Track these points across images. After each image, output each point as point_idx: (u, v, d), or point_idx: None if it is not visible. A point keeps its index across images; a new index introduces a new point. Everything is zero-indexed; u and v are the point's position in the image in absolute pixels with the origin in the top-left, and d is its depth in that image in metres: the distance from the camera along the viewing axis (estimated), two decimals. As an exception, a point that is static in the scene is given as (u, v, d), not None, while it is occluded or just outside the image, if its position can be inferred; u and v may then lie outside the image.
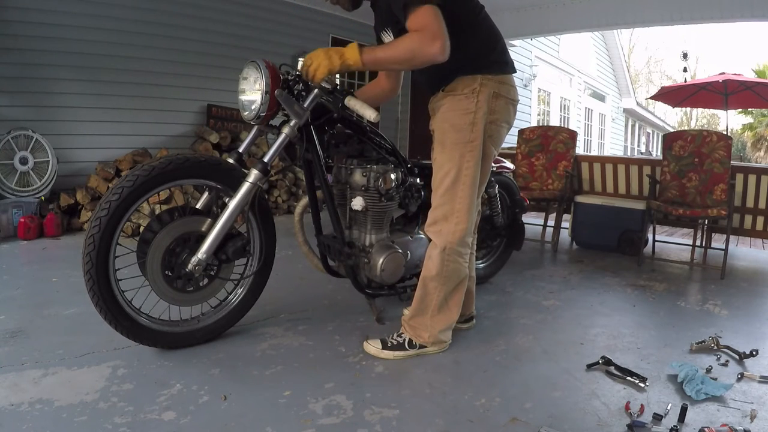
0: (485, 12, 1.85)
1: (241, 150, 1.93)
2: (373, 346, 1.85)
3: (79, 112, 4.34)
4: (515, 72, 1.91)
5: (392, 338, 1.88)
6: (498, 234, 2.76)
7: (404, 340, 1.86)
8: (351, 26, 6.56)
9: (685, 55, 14.26)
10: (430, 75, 1.88)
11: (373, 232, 2.07)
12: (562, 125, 10.40)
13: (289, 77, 1.87)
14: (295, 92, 1.84)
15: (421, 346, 1.85)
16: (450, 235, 1.79)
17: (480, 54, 1.77)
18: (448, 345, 1.92)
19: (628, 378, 1.68)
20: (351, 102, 1.79)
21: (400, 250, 2.08)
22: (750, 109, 15.19)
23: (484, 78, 1.75)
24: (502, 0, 5.85)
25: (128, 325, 1.66)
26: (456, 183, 1.78)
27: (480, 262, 2.87)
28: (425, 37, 1.55)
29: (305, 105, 1.81)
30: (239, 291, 1.94)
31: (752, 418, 1.47)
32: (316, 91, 1.83)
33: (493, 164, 2.75)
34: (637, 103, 16.39)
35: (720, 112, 14.74)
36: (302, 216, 2.14)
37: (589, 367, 1.78)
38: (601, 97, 13.96)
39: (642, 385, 1.64)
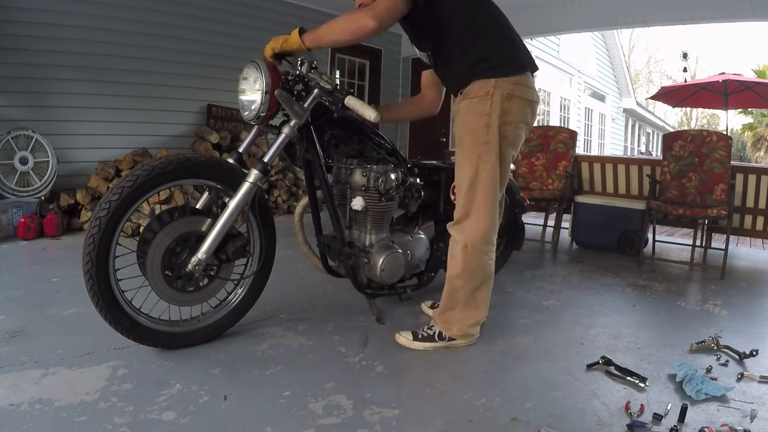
0: (498, 11, 1.89)
1: (241, 150, 1.93)
2: (404, 337, 1.93)
3: (79, 112, 4.34)
4: (534, 70, 1.90)
5: (423, 330, 1.95)
6: (498, 234, 2.76)
7: (434, 332, 1.93)
8: (351, 26, 6.55)
9: (685, 55, 14.25)
10: (450, 79, 1.94)
11: (373, 232, 2.07)
12: (562, 125, 10.39)
13: (289, 77, 1.87)
14: (295, 92, 1.84)
15: (450, 339, 1.92)
16: (472, 232, 1.85)
17: (491, 56, 1.80)
18: (476, 339, 1.98)
19: (628, 378, 1.68)
20: (351, 102, 1.79)
21: (400, 250, 2.08)
22: (750, 109, 15.19)
23: (498, 81, 1.78)
24: (503, 0, 5.85)
25: (128, 325, 1.66)
26: (475, 183, 1.83)
27: (480, 262, 2.87)
28: (367, 11, 1.67)
29: (305, 105, 1.81)
30: (239, 291, 1.94)
31: (752, 418, 1.47)
32: (316, 91, 1.84)
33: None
34: (637, 103, 16.38)
35: (720, 112, 14.74)
36: (302, 216, 2.14)
37: (589, 367, 1.78)
38: (601, 97, 13.95)
39: (642, 385, 1.64)
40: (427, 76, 2.17)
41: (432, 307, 2.27)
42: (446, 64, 1.91)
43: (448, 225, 1.94)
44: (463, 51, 1.82)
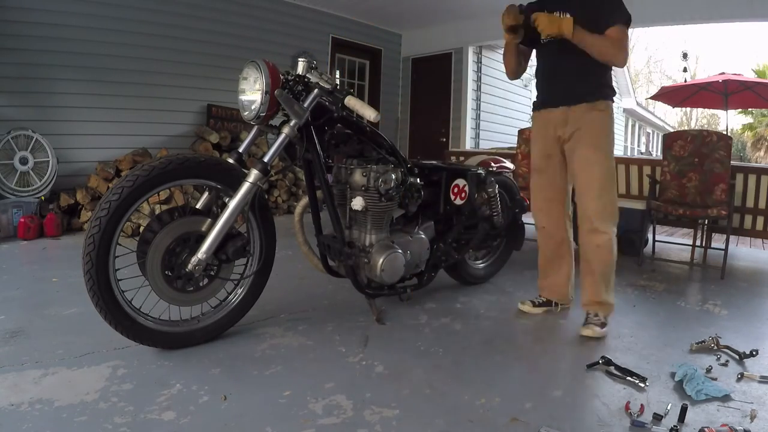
0: None
1: (241, 150, 1.94)
2: (592, 330, 2.07)
3: (79, 112, 4.34)
4: None
5: (594, 319, 2.11)
6: (498, 234, 2.76)
7: (601, 318, 2.12)
8: (351, 26, 6.57)
9: (685, 55, 14.24)
10: (586, 83, 2.17)
11: (373, 232, 2.07)
12: (562, 125, 10.36)
13: (289, 77, 1.87)
14: (295, 92, 1.84)
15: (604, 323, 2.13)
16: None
17: (611, 83, 2.21)
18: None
19: (628, 378, 1.68)
20: (351, 102, 1.79)
21: (400, 250, 2.08)
22: (750, 109, 15.17)
23: (609, 103, 2.18)
24: (503, 0, 5.85)
25: (128, 325, 1.66)
26: (611, 180, 2.15)
27: (480, 262, 2.87)
28: (621, 47, 2.05)
29: (305, 105, 1.81)
30: (239, 291, 1.94)
31: (752, 418, 1.47)
32: (316, 91, 1.84)
33: (493, 164, 2.77)
34: (637, 103, 16.34)
35: (720, 112, 14.72)
36: (302, 216, 2.14)
37: (589, 367, 1.78)
38: (601, 97, 13.93)
39: (642, 385, 1.64)
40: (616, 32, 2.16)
41: (534, 306, 2.38)
42: (587, 76, 2.17)
43: (593, 218, 2.13)
44: (602, 75, 2.19)
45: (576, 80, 2.16)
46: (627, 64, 1.97)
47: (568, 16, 2.03)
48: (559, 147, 2.24)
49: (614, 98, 2.21)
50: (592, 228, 2.13)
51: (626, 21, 2.07)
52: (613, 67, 2.19)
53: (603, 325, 2.10)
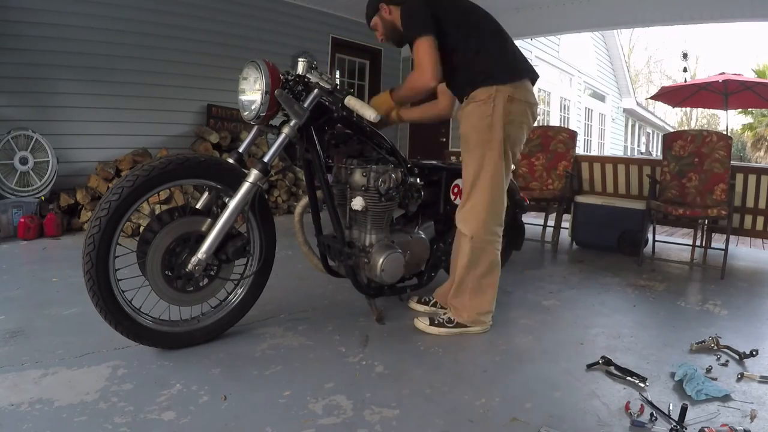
0: (493, 30, 2.04)
1: (241, 150, 1.94)
2: (422, 323, 2.07)
3: (79, 112, 4.34)
4: (533, 78, 2.07)
5: (438, 317, 2.09)
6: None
7: (446, 318, 2.07)
8: (351, 26, 6.56)
9: (685, 55, 14.25)
10: (457, 89, 2.12)
11: (373, 232, 2.08)
12: (562, 125, 10.39)
13: (289, 77, 1.87)
14: (295, 92, 1.84)
15: (462, 325, 2.05)
16: (476, 224, 2.01)
17: (490, 69, 1.98)
18: (489, 326, 2.10)
19: (628, 378, 1.68)
20: (351, 102, 1.80)
21: (400, 250, 2.08)
22: (750, 109, 15.18)
23: (499, 87, 1.95)
24: (502, 0, 5.85)
25: (128, 325, 1.66)
26: (477, 178, 1.99)
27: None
28: (418, 73, 1.89)
29: (305, 105, 1.81)
30: (239, 291, 1.94)
31: (752, 418, 1.47)
32: (316, 91, 1.84)
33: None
34: (637, 103, 16.36)
35: (720, 112, 14.71)
36: (302, 216, 2.14)
37: (589, 367, 1.78)
38: (601, 97, 13.94)
39: (642, 385, 1.64)
40: (442, 85, 2.25)
41: (419, 302, 2.35)
42: (454, 80, 2.09)
43: (456, 218, 2.05)
44: (466, 70, 2.01)
45: (453, 77, 2.07)
46: (438, 81, 1.89)
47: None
48: None
49: (506, 80, 1.95)
50: (458, 227, 2.06)
51: (416, 31, 1.87)
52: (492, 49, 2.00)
53: (441, 325, 2.03)
